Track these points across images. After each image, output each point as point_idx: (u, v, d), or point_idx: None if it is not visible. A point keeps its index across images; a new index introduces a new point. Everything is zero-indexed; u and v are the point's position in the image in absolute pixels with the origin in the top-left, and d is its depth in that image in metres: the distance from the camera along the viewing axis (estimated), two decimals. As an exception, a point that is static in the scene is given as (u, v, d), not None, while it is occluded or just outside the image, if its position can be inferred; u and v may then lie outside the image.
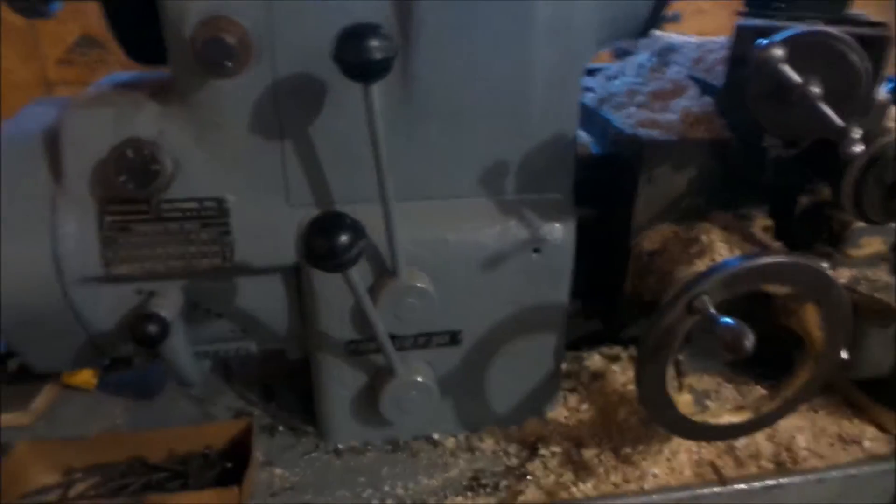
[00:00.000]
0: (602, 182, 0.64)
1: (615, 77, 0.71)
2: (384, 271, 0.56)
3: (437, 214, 0.58)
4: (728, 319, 0.43)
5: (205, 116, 0.53)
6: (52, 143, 0.53)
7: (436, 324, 0.59)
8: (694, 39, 0.72)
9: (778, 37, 0.41)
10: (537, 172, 0.59)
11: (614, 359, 0.74)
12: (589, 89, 0.72)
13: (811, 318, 0.51)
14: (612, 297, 0.66)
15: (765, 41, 0.41)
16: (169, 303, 0.53)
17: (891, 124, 0.48)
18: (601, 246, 0.65)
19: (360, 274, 0.52)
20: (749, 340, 0.42)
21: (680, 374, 0.53)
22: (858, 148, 0.38)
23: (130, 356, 0.64)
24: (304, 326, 0.60)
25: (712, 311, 0.44)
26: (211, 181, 0.54)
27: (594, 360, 0.74)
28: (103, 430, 0.64)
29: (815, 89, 0.40)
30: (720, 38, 0.70)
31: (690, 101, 0.61)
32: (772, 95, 0.42)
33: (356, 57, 0.44)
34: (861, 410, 0.70)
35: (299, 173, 0.55)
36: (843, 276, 0.62)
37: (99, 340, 0.57)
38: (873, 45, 0.45)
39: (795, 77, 0.40)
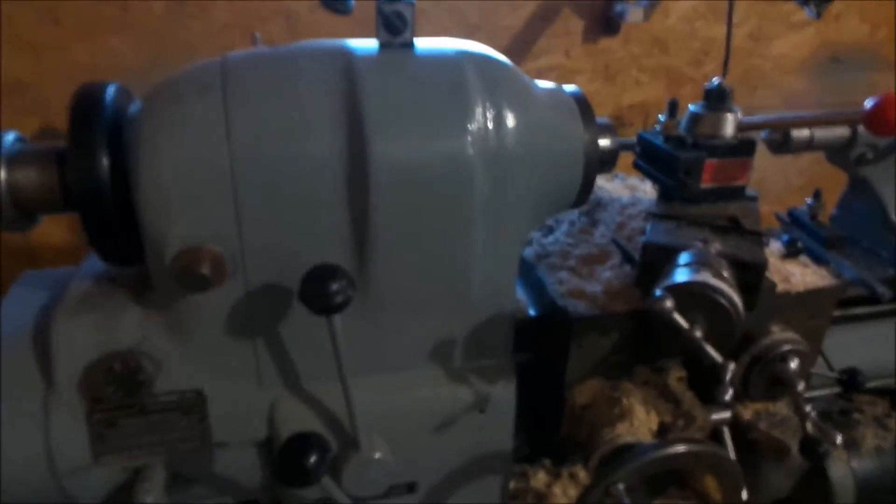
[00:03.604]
0: (540, 336, 0.73)
1: (550, 231, 0.80)
2: (347, 444, 0.63)
3: (393, 385, 0.65)
4: (636, 512, 0.51)
5: (184, 321, 0.59)
6: (42, 349, 0.58)
7: (395, 479, 0.67)
8: (619, 194, 0.82)
9: (667, 287, 0.50)
10: (480, 343, 0.67)
11: (557, 476, 0.83)
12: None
13: (710, 484, 0.60)
14: (551, 435, 0.75)
15: (658, 293, 0.50)
16: (153, 485, 0.59)
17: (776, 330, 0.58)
18: (541, 388, 0.74)
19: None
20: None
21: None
22: (728, 395, 0.47)
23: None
24: (276, 485, 0.66)
25: (626, 501, 0.53)
26: (190, 375, 0.60)
27: (539, 477, 0.83)
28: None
29: (698, 333, 0.49)
30: (643, 199, 0.80)
31: (613, 271, 0.70)
32: (666, 331, 0.51)
33: (319, 300, 0.51)
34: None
35: (270, 361, 0.62)
36: (745, 413, 0.73)
37: (88, 514, 0.63)
38: (749, 268, 0.55)
39: (683, 324, 0.49)
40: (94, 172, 0.55)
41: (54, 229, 1.34)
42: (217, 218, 0.55)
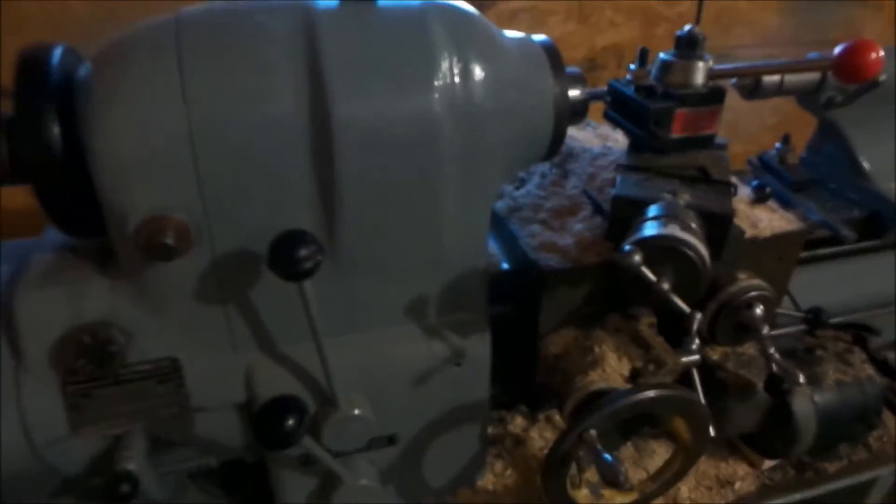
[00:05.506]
0: (513, 288, 0.73)
1: (522, 183, 0.80)
2: (325, 402, 0.64)
3: (369, 343, 0.66)
4: (608, 456, 0.53)
5: (152, 291, 0.58)
6: (9, 324, 0.57)
7: (375, 433, 0.68)
8: (591, 143, 0.81)
9: (635, 241, 0.50)
10: (454, 298, 0.67)
11: (533, 421, 0.86)
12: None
13: (679, 424, 0.62)
14: (527, 384, 0.77)
15: (626, 247, 0.50)
16: (135, 452, 0.60)
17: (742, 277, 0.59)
18: (516, 338, 0.75)
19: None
20: (622, 475, 0.53)
21: (580, 470, 0.64)
22: (695, 345, 0.49)
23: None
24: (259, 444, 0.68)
25: (598, 447, 0.55)
26: (163, 344, 0.60)
27: (516, 422, 0.86)
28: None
29: (666, 285, 0.50)
30: (614, 149, 0.79)
31: (584, 223, 0.70)
32: (634, 284, 0.52)
33: (288, 266, 0.51)
34: (735, 449, 0.85)
35: (243, 326, 0.62)
36: (713, 354, 0.75)
37: (73, 480, 0.64)
38: (716, 219, 0.55)
39: (651, 277, 0.50)
40: (44, 142, 0.53)
41: (14, 193, 1.30)
42: (178, 185, 0.53)
